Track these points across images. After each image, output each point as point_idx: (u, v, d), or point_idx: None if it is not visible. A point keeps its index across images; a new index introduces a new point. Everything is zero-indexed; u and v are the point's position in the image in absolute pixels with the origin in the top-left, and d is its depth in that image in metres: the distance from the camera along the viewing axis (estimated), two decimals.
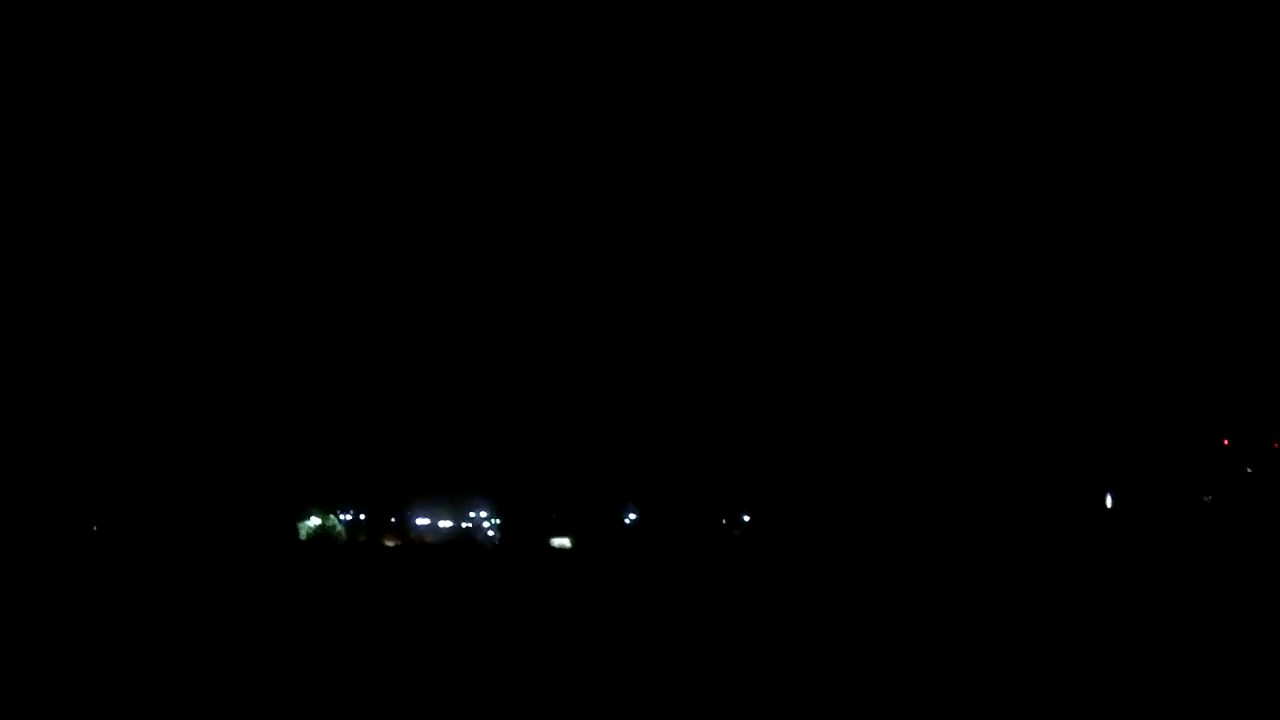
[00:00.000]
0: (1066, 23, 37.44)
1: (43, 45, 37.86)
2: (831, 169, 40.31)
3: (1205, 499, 39.06)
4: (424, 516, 47.52)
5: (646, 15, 38.89)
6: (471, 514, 47.60)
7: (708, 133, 40.70)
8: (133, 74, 38.75)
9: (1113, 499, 40.25)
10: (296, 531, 45.12)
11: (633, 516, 44.95)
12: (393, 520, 47.16)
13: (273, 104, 40.27)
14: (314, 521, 46.04)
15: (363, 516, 47.05)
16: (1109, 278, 39.12)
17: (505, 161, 41.53)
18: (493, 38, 39.78)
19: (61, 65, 38.15)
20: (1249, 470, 38.79)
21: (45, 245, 39.47)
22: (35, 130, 38.61)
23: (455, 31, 39.75)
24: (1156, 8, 36.87)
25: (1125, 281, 39.02)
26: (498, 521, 47.17)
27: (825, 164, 40.30)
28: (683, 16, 38.98)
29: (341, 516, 46.82)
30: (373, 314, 42.52)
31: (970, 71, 38.67)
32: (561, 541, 44.95)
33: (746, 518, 43.84)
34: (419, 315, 42.63)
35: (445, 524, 47.62)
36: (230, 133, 40.18)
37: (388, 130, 41.06)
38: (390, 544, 45.64)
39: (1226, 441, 39.06)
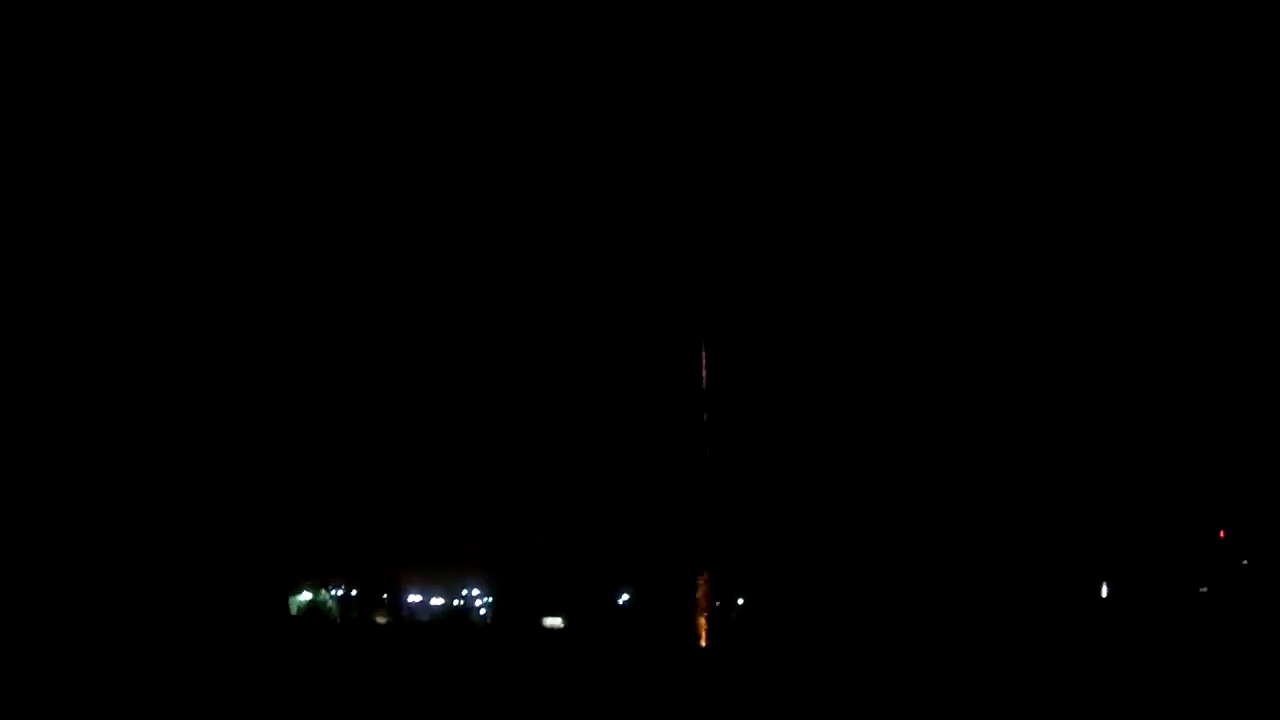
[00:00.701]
0: (1066, 23, 37.38)
1: (43, 45, 37.64)
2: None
3: (1201, 590, 38.96)
4: (416, 594, 47.27)
5: (646, 15, 38.67)
6: (464, 592, 47.36)
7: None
8: (133, 73, 38.43)
9: (1108, 589, 40.14)
10: (288, 606, 44.84)
11: (626, 597, 44.74)
12: (384, 597, 46.90)
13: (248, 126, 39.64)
14: (306, 596, 45.78)
15: (354, 592, 46.79)
16: (1104, 365, 39.35)
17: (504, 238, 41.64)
18: (493, 37, 39.60)
19: (61, 65, 37.92)
20: (1245, 562, 38.73)
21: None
22: (35, 130, 38.24)
23: (455, 31, 39.57)
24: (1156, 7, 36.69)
25: (1120, 370, 39.24)
26: (490, 600, 46.91)
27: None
28: (681, 17, 38.80)
29: (333, 592, 46.57)
30: (365, 388, 42.58)
31: (970, 73, 38.59)
32: (554, 621, 44.70)
33: (741, 600, 43.62)
34: (411, 389, 42.70)
35: (437, 601, 47.37)
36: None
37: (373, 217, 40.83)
38: (382, 620, 45.37)
39: (1223, 534, 39.05)
